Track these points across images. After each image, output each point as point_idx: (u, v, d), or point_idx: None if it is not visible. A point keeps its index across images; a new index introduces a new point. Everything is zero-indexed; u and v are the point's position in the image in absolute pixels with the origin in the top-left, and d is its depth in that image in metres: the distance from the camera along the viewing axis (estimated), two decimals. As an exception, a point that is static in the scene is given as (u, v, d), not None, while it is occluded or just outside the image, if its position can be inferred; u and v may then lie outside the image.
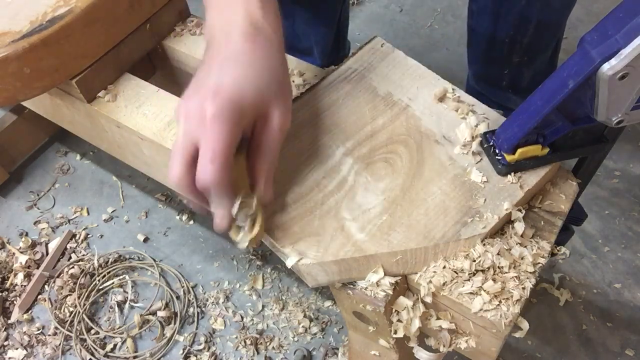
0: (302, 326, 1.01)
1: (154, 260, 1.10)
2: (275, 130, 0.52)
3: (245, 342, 1.00)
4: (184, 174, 0.50)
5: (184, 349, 1.00)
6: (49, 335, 1.02)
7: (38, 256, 1.11)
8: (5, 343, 1.02)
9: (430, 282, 0.56)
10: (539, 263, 0.57)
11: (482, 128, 0.63)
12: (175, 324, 1.02)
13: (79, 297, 1.04)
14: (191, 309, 1.04)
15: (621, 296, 1.04)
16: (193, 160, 0.50)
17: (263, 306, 1.05)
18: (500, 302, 0.54)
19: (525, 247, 0.57)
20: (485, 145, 0.62)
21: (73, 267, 1.08)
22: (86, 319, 1.02)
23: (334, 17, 1.15)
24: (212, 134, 0.48)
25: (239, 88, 0.49)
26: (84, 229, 1.16)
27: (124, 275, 1.08)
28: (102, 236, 1.15)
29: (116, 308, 1.04)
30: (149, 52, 0.84)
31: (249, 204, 0.54)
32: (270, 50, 0.53)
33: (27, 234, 1.16)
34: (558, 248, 0.62)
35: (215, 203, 0.52)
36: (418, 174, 0.61)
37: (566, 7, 0.96)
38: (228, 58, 0.51)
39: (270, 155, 0.53)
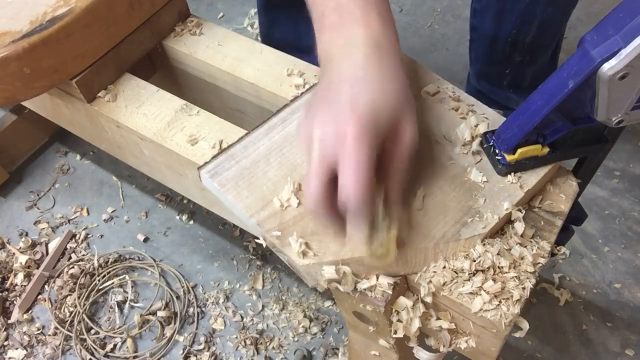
0: (302, 326, 1.01)
1: (154, 260, 1.10)
2: (407, 147, 0.52)
3: (245, 342, 1.00)
4: (324, 197, 0.50)
5: (184, 349, 1.00)
6: (49, 335, 1.02)
7: (38, 256, 1.11)
8: (5, 343, 1.02)
9: (430, 282, 0.56)
10: (539, 263, 0.57)
11: (482, 128, 0.63)
12: (175, 324, 1.02)
13: (79, 297, 1.04)
14: (191, 309, 1.04)
15: (621, 296, 1.04)
16: (330, 183, 0.49)
17: (263, 306, 1.05)
18: (500, 302, 0.54)
19: (525, 247, 0.57)
20: (485, 145, 0.62)
21: (73, 267, 1.08)
22: (86, 319, 1.02)
23: None
24: (354, 155, 0.47)
25: (375, 107, 0.49)
26: (84, 229, 1.16)
27: (124, 275, 1.08)
28: (102, 236, 1.15)
29: (116, 308, 1.04)
30: (149, 52, 0.84)
31: (384, 222, 0.53)
32: (395, 68, 0.52)
33: (27, 234, 1.16)
34: (558, 248, 0.62)
35: (355, 224, 0.51)
36: (418, 174, 0.61)
37: (569, 4, 0.96)
38: (356, 77, 0.50)
39: (403, 171, 0.52)
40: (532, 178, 0.60)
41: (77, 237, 1.14)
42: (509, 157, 0.59)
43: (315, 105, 0.52)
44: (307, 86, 0.73)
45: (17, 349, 1.01)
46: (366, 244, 0.53)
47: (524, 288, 0.55)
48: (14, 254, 1.11)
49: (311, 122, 0.51)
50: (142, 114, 0.75)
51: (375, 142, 0.49)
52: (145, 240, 1.14)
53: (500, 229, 0.59)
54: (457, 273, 0.56)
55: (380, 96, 0.50)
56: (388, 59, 0.52)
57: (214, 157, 0.63)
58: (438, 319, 0.59)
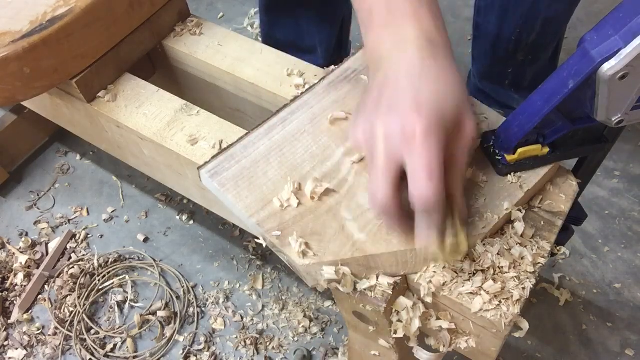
0: (302, 326, 1.01)
1: (154, 260, 1.10)
2: (469, 140, 0.51)
3: (245, 342, 1.00)
4: (393, 196, 0.49)
5: (184, 349, 1.00)
6: (49, 335, 1.02)
7: (38, 256, 1.11)
8: (5, 343, 1.02)
9: (430, 282, 0.56)
10: (539, 263, 0.57)
11: (482, 128, 0.63)
12: (175, 324, 1.02)
13: (79, 297, 1.04)
14: (191, 309, 1.04)
15: (621, 296, 1.04)
16: (398, 181, 0.49)
17: (263, 306, 1.05)
18: (500, 302, 0.54)
19: (525, 247, 0.57)
20: (485, 145, 0.62)
21: (73, 267, 1.08)
22: (86, 319, 1.02)
23: (337, 17, 1.15)
24: (425, 150, 0.46)
25: (439, 102, 0.48)
26: (84, 229, 1.16)
27: (124, 275, 1.08)
28: (102, 236, 1.15)
29: (116, 308, 1.04)
30: (149, 52, 0.84)
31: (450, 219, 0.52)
32: (450, 62, 0.52)
33: (27, 234, 1.16)
34: (558, 248, 0.62)
35: (427, 221, 0.50)
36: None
37: (573, 1, 0.96)
38: (413, 73, 0.49)
39: (464, 165, 0.52)
40: (532, 178, 0.60)
41: (77, 237, 1.14)
42: (509, 157, 0.59)
43: (372, 103, 0.51)
44: (307, 86, 0.73)
45: (17, 349, 1.01)
46: (439, 241, 0.52)
47: (524, 288, 0.55)
48: (14, 254, 1.11)
49: (371, 120, 0.50)
50: (142, 114, 0.75)
51: (443, 138, 0.47)
52: (145, 240, 1.14)
53: (500, 229, 0.59)
54: (457, 273, 0.56)
55: (441, 90, 0.49)
56: (442, 53, 0.51)
57: (214, 157, 0.63)
58: (438, 319, 0.59)
